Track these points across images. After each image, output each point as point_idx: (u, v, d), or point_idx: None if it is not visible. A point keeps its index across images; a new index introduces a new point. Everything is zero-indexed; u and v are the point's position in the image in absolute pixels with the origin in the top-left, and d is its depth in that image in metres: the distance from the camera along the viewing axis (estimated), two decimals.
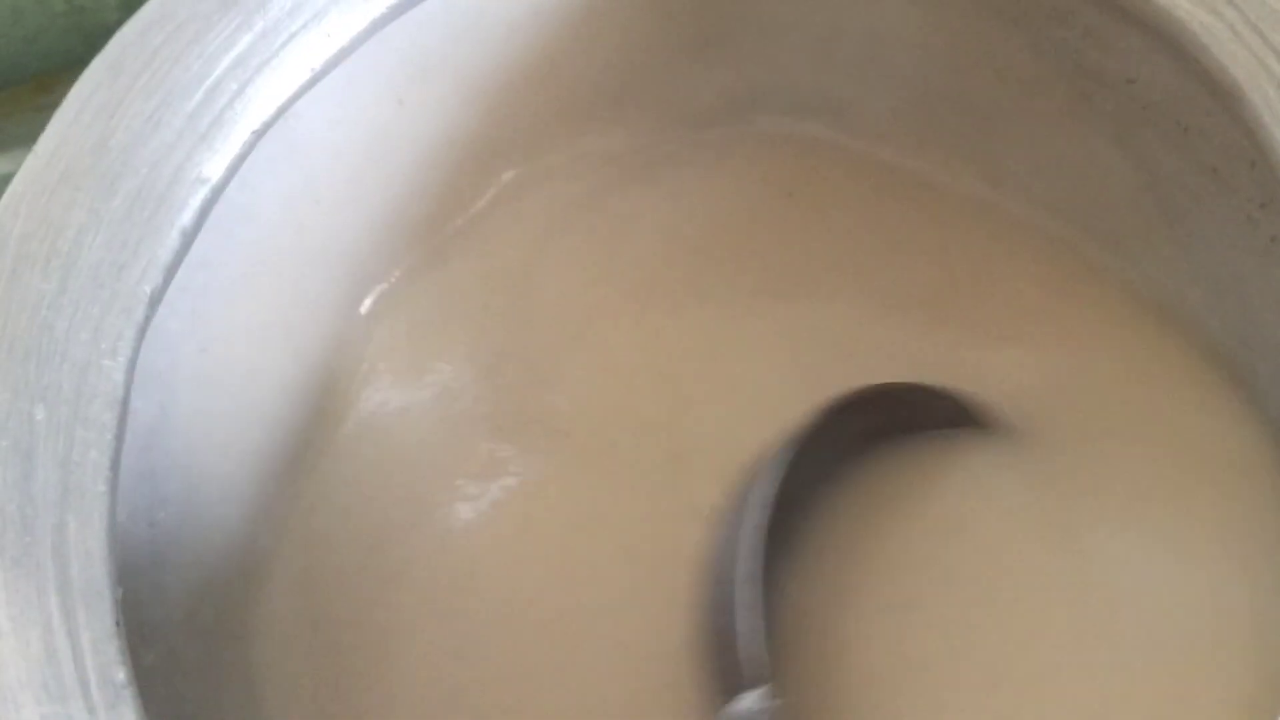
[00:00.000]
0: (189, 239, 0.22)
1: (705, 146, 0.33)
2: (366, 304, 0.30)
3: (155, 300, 0.22)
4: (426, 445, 0.29)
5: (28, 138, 0.33)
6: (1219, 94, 0.23)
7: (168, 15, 0.22)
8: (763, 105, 0.33)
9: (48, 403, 0.21)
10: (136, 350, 0.22)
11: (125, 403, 0.21)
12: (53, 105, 0.24)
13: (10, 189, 0.21)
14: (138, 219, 0.22)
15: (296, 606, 0.30)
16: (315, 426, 0.29)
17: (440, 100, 0.30)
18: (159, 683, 0.25)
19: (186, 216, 0.22)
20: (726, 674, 0.23)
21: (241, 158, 0.23)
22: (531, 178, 0.32)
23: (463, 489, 0.28)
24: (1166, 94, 0.26)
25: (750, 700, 0.21)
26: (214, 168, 0.23)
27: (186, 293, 0.27)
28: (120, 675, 0.20)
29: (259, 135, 0.23)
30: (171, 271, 0.22)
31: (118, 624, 0.20)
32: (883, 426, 0.27)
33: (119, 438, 0.21)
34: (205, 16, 0.23)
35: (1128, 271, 0.30)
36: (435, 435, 0.29)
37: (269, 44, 0.23)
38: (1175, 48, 0.24)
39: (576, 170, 0.32)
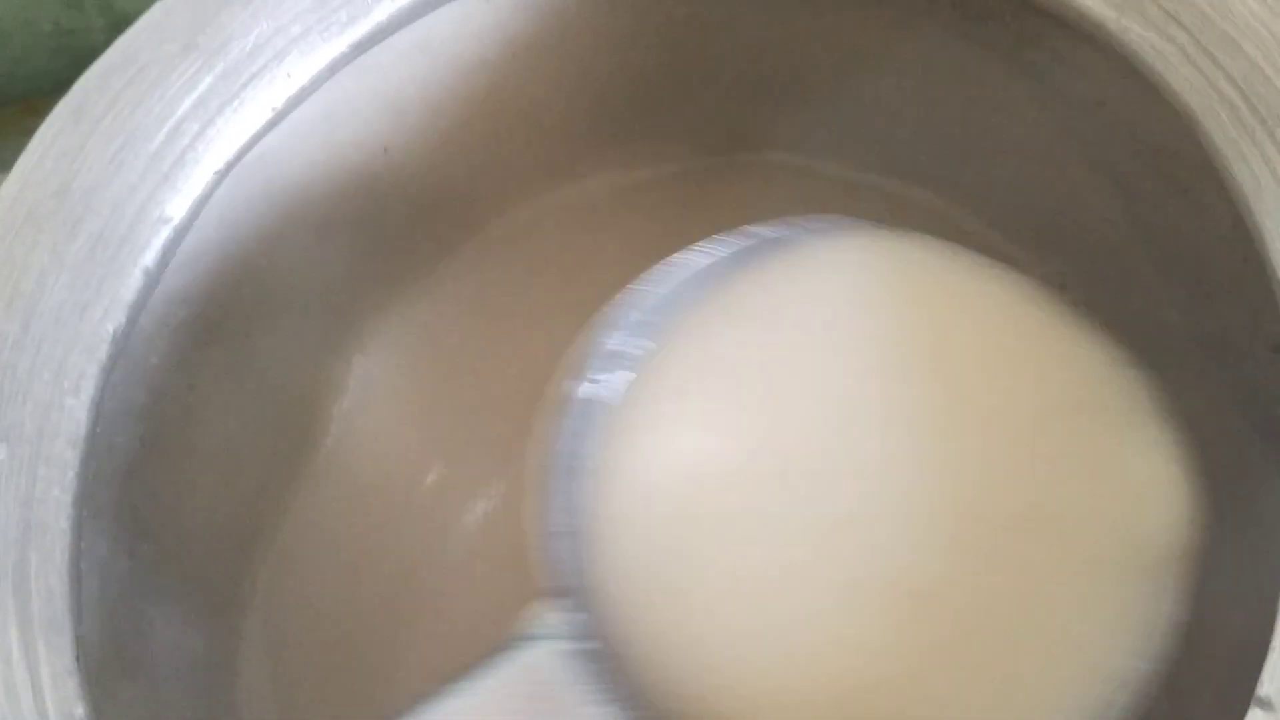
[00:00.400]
0: (153, 279, 0.23)
1: (689, 184, 0.34)
2: (344, 342, 0.31)
3: (119, 339, 0.22)
4: (398, 474, 0.29)
5: (12, 160, 0.34)
6: (1178, 115, 0.23)
7: (129, 59, 0.23)
8: (743, 142, 0.34)
9: (10, 441, 0.21)
10: (101, 389, 0.22)
11: (90, 440, 0.22)
12: (37, 128, 0.24)
13: None
14: (100, 259, 0.22)
15: (281, 637, 0.30)
16: (293, 460, 0.30)
17: (421, 141, 0.30)
18: (140, 717, 0.26)
19: (149, 256, 0.23)
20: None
21: (205, 198, 0.23)
22: (512, 223, 0.32)
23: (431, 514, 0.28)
24: (1136, 116, 0.26)
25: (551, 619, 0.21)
26: (177, 207, 0.23)
27: (166, 328, 0.27)
28: (79, 710, 0.20)
29: (222, 175, 0.23)
30: (136, 310, 0.23)
31: (77, 659, 0.21)
32: None
33: (82, 475, 0.22)
34: (166, 59, 0.23)
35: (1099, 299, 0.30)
36: (407, 464, 0.29)
37: (229, 85, 0.23)
38: (1135, 71, 0.24)
39: (556, 216, 0.32)
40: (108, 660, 0.24)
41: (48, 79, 0.43)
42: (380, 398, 0.31)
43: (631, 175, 0.33)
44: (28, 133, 0.38)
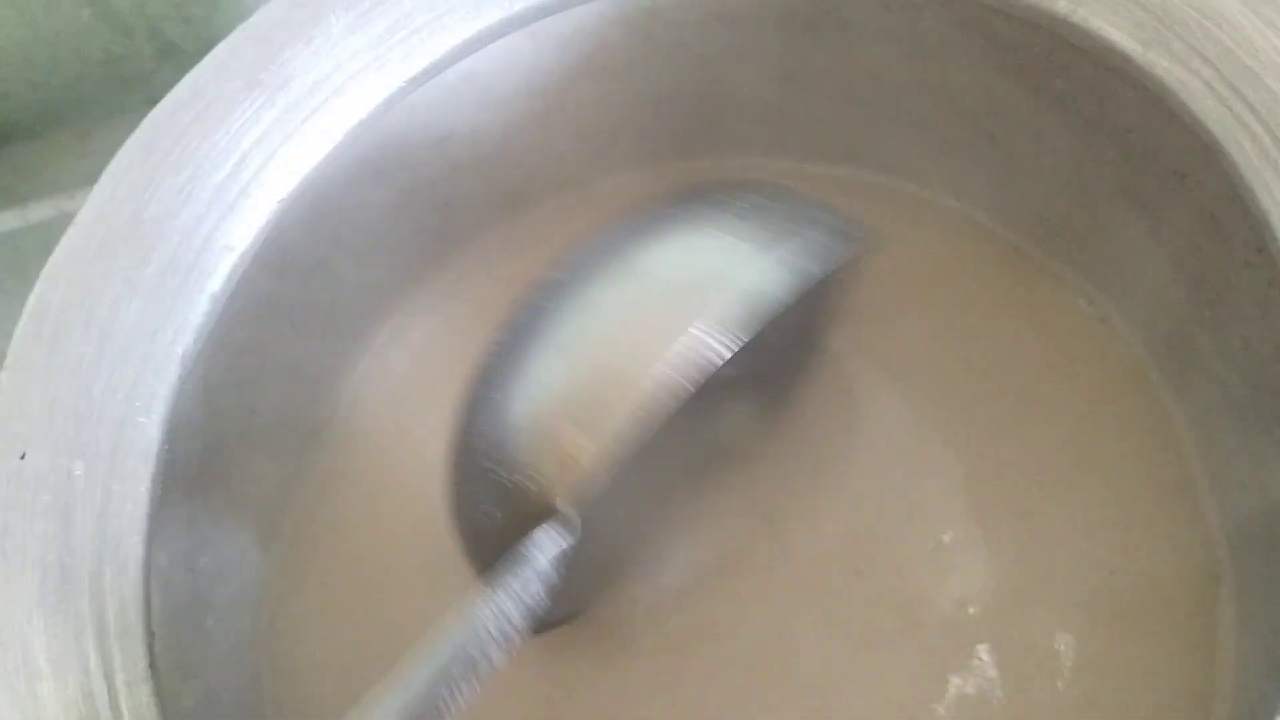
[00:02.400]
0: (218, 304, 0.24)
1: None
2: (371, 350, 0.32)
3: (187, 360, 0.23)
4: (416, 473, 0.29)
5: (67, 185, 0.35)
6: (1201, 145, 0.24)
7: (197, 95, 0.24)
8: (773, 151, 0.35)
9: (86, 459, 0.22)
10: (171, 407, 0.23)
11: (159, 456, 0.23)
12: (91, 153, 0.25)
13: (51, 260, 0.23)
14: (170, 286, 0.23)
15: (334, 644, 0.31)
16: (329, 466, 0.30)
17: (464, 166, 0.31)
18: None
19: (215, 282, 0.24)
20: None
21: (268, 226, 0.24)
22: (519, 237, 0.33)
23: None
24: (1162, 143, 0.27)
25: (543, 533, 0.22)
26: (241, 236, 0.24)
27: (225, 349, 0.28)
28: (154, 715, 0.21)
29: (285, 204, 0.24)
30: (202, 333, 0.24)
31: (151, 667, 0.21)
32: None
33: (153, 490, 0.23)
34: (231, 95, 0.24)
35: (1128, 318, 0.31)
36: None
37: (291, 119, 0.24)
38: (1160, 102, 0.25)
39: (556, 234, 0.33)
40: (169, 669, 0.25)
41: (98, 105, 0.44)
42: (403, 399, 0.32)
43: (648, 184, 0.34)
44: (79, 156, 0.39)
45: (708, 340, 0.21)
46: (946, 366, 0.31)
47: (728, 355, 0.21)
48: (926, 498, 0.30)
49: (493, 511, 0.24)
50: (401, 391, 0.31)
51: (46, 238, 0.39)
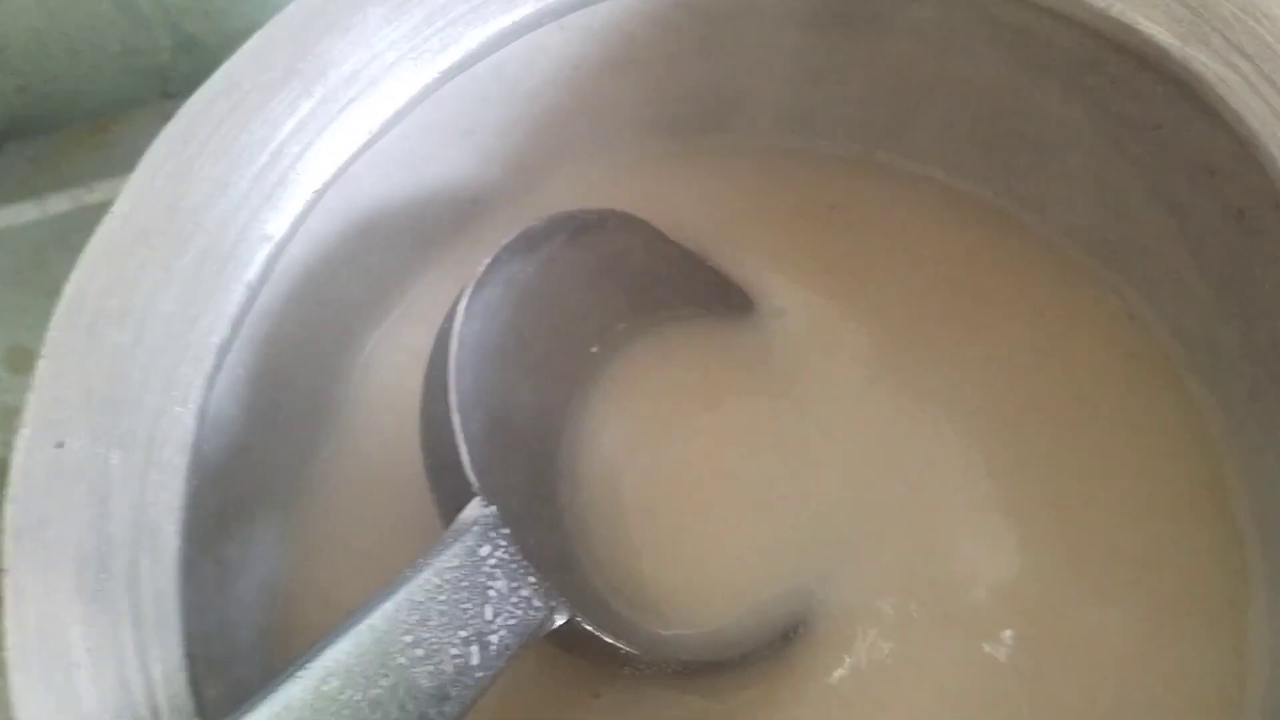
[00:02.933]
0: (255, 293, 0.24)
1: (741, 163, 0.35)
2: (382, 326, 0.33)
3: (223, 350, 0.23)
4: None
5: (85, 176, 0.35)
6: (1238, 141, 0.24)
7: (234, 85, 0.24)
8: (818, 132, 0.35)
9: (123, 448, 0.22)
10: (206, 397, 0.23)
11: (196, 447, 0.23)
12: (108, 145, 0.25)
13: (88, 249, 0.23)
14: (207, 275, 0.23)
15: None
16: (340, 457, 0.31)
17: (491, 157, 0.31)
18: (224, 714, 0.27)
19: (252, 272, 0.24)
20: (447, 484, 0.25)
21: (304, 216, 0.24)
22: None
23: None
24: (1192, 139, 0.27)
25: (472, 510, 0.24)
26: (278, 226, 0.24)
27: (252, 343, 0.28)
28: (190, 705, 0.21)
29: (320, 194, 0.24)
30: (239, 323, 0.23)
31: (188, 657, 0.21)
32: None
33: (190, 480, 0.22)
34: (268, 85, 0.24)
35: (1156, 313, 0.31)
36: None
37: (329, 110, 0.24)
38: (1195, 97, 0.25)
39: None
40: (196, 661, 0.25)
41: (115, 97, 0.44)
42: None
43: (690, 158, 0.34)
44: (97, 148, 0.39)
45: None
46: (975, 358, 0.32)
47: None
48: (957, 486, 0.30)
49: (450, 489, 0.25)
50: (411, 366, 0.31)
51: (64, 229, 0.39)
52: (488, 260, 0.27)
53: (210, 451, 0.27)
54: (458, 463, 0.25)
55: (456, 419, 0.25)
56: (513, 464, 0.29)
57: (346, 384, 0.32)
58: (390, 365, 0.33)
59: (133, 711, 0.21)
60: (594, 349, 0.31)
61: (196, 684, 0.21)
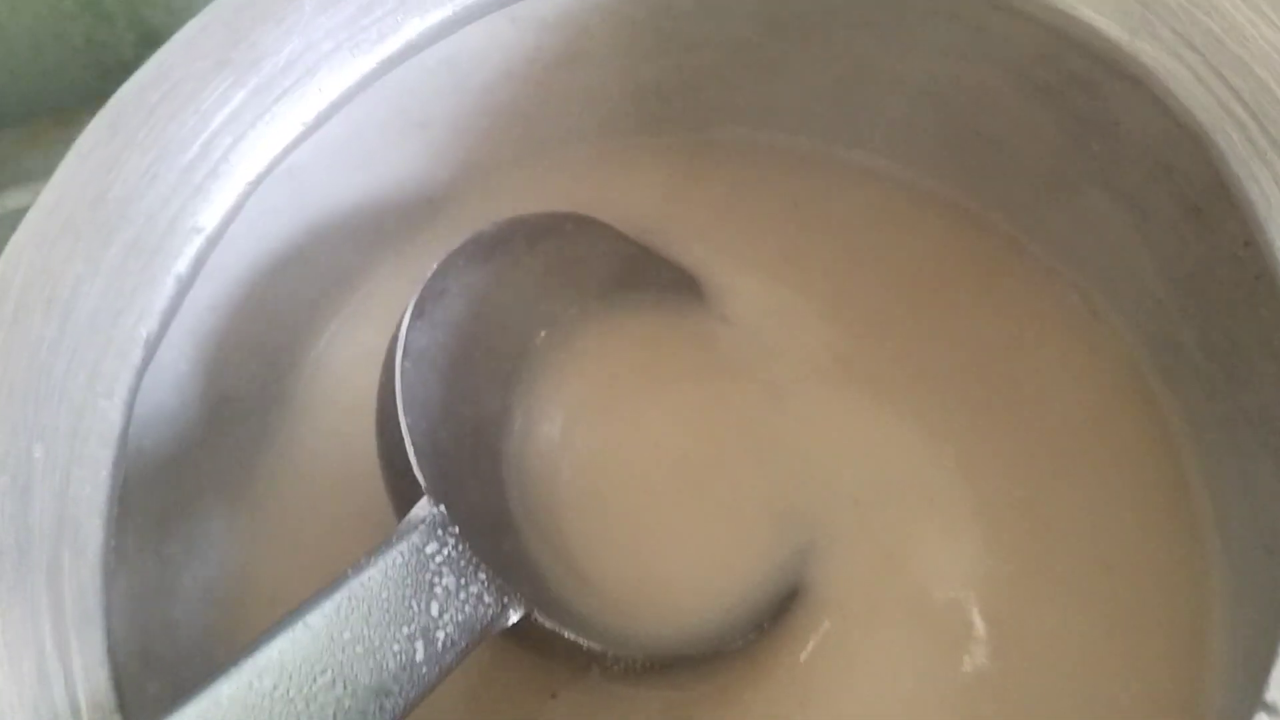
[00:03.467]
0: (185, 286, 0.23)
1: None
2: (337, 319, 0.32)
3: (152, 343, 0.23)
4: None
5: (46, 171, 0.34)
6: (1190, 135, 0.24)
7: (164, 75, 0.24)
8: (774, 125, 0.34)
9: (45, 441, 0.22)
10: (133, 391, 0.23)
11: (122, 441, 0.22)
12: (70, 140, 0.25)
13: (13, 240, 0.22)
14: (133, 268, 0.23)
15: None
16: (290, 453, 0.30)
17: (445, 152, 0.31)
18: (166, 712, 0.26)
19: (182, 264, 0.23)
20: (400, 486, 0.25)
21: (236, 208, 0.24)
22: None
23: None
24: (1149, 136, 0.27)
25: (420, 509, 0.24)
26: (209, 218, 0.24)
27: (195, 336, 0.28)
28: (111, 700, 0.21)
29: (254, 187, 0.24)
30: (168, 316, 0.23)
31: (109, 651, 0.21)
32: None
33: (115, 474, 0.22)
34: (200, 75, 0.24)
35: (1118, 311, 0.31)
36: None
37: (262, 100, 0.24)
38: (1149, 93, 0.25)
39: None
40: (133, 657, 0.25)
41: (79, 91, 0.44)
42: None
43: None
44: (60, 142, 0.39)
45: None
46: (937, 354, 0.31)
47: None
48: (921, 481, 0.30)
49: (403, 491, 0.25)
50: (364, 363, 0.31)
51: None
52: (435, 266, 0.27)
53: (151, 446, 0.27)
54: (407, 465, 0.25)
55: (404, 422, 0.26)
56: (463, 462, 0.29)
57: (297, 381, 0.32)
58: (342, 362, 0.32)
59: (50, 705, 0.20)
60: (541, 336, 0.31)
61: (119, 679, 0.21)
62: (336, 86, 0.25)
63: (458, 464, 0.29)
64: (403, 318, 0.27)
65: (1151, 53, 0.23)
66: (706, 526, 0.30)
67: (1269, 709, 0.19)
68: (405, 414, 0.26)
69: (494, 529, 0.29)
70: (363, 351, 0.32)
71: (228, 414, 0.30)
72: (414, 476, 0.25)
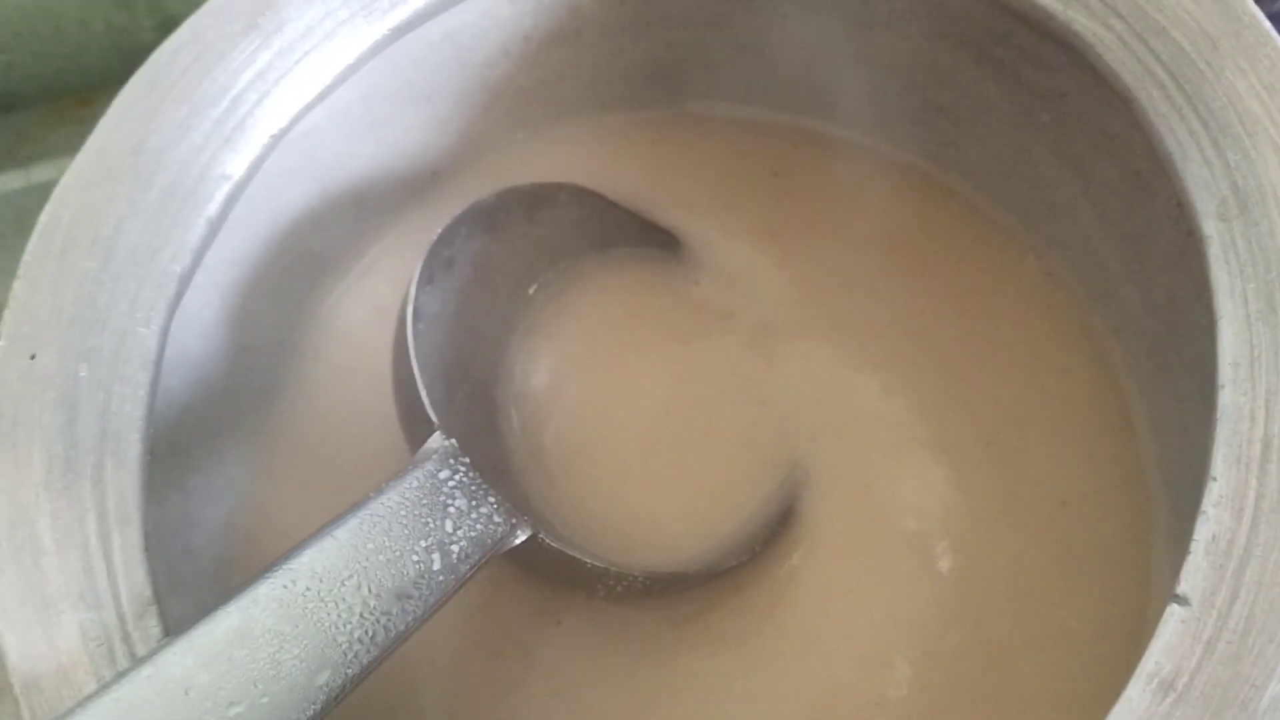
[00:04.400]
0: (215, 227, 0.26)
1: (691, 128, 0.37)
2: (349, 276, 0.35)
3: (184, 279, 0.25)
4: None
5: (69, 148, 0.37)
6: (1119, 98, 0.26)
7: (198, 37, 0.26)
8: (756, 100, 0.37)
9: (90, 362, 0.24)
10: (169, 320, 0.25)
11: (158, 364, 0.25)
12: (92, 118, 0.27)
13: (61, 182, 0.25)
14: (170, 209, 0.25)
15: None
16: (303, 400, 0.33)
17: (446, 121, 0.33)
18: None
19: (212, 208, 0.26)
20: (416, 429, 0.27)
21: (261, 159, 0.26)
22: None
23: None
24: (1092, 106, 0.29)
25: (433, 442, 0.26)
26: (236, 166, 0.26)
27: (219, 287, 0.30)
28: (148, 592, 0.23)
29: (277, 139, 0.26)
30: (199, 255, 0.26)
31: (146, 550, 0.23)
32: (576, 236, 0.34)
33: (151, 394, 0.24)
34: (230, 38, 0.26)
35: (1070, 272, 0.33)
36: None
37: (285, 61, 0.26)
38: (1088, 64, 0.27)
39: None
40: (162, 582, 0.27)
41: (99, 74, 0.46)
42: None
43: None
44: (80, 121, 0.41)
45: None
46: (906, 310, 0.34)
47: None
48: (892, 424, 0.32)
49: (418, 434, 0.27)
50: (372, 319, 0.33)
51: (48, 196, 0.41)
52: (438, 233, 0.30)
53: (176, 387, 0.29)
54: (421, 408, 0.27)
55: (417, 370, 0.28)
56: (467, 413, 0.31)
57: (311, 332, 0.34)
58: (352, 317, 0.35)
59: (95, 594, 0.22)
60: (532, 290, 0.33)
61: (155, 573, 0.23)
62: (352, 51, 0.27)
63: (463, 414, 0.31)
64: (411, 282, 0.29)
65: (1082, 21, 0.26)
66: (694, 465, 0.32)
67: (1179, 599, 0.21)
68: (419, 368, 0.28)
69: (494, 476, 0.31)
70: (371, 308, 0.35)
71: (247, 361, 0.32)
72: (428, 417, 0.27)
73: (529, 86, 0.35)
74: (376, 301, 0.34)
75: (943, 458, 0.32)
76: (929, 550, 0.31)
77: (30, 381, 0.23)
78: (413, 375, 0.28)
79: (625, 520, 0.32)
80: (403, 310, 0.29)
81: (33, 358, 0.24)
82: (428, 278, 0.30)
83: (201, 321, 0.30)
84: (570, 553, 0.28)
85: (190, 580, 0.29)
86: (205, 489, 0.31)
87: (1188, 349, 0.30)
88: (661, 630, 0.30)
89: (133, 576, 0.23)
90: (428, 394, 0.28)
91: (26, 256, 0.24)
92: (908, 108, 0.35)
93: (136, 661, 0.21)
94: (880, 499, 0.31)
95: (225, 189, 0.26)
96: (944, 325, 0.33)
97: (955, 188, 0.35)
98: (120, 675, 0.21)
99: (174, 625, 0.25)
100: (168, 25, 0.45)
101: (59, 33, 0.44)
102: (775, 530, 0.31)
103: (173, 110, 0.26)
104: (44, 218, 0.24)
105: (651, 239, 0.34)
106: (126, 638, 0.22)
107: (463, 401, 0.31)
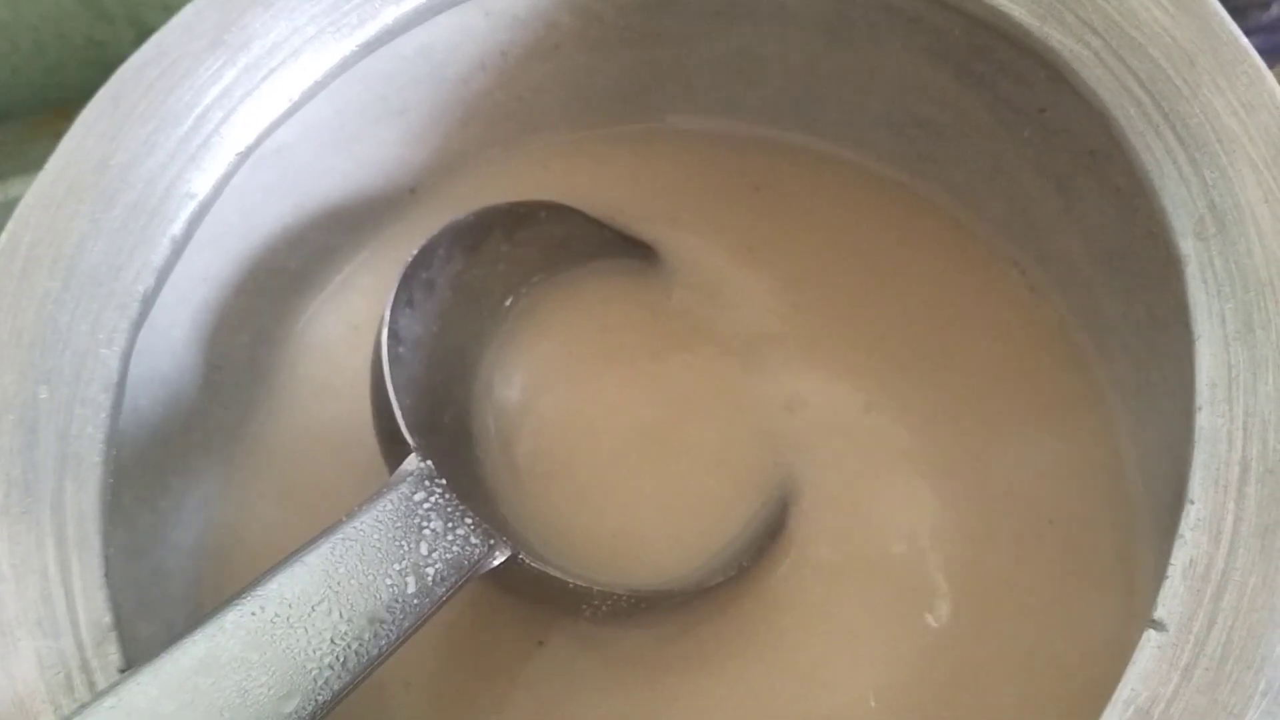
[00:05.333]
0: (179, 246, 0.25)
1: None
2: (324, 292, 0.35)
3: (148, 299, 0.25)
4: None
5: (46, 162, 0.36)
6: (1096, 114, 0.26)
7: (163, 53, 0.26)
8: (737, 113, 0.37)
9: (50, 384, 0.24)
10: (131, 341, 0.25)
11: (121, 385, 0.24)
12: None
13: (23, 202, 0.24)
14: (133, 228, 0.25)
15: None
16: (278, 420, 0.32)
17: (421, 139, 0.33)
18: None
19: (177, 227, 0.25)
20: (393, 450, 0.27)
21: (227, 177, 0.26)
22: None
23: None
24: (1073, 122, 0.29)
25: (408, 464, 0.26)
26: (202, 184, 0.26)
27: (189, 305, 0.30)
28: (107, 619, 0.23)
29: (243, 157, 0.26)
30: (164, 274, 0.25)
31: (106, 576, 0.23)
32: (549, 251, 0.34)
33: (113, 417, 0.24)
34: (195, 54, 0.26)
35: (1053, 287, 0.33)
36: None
37: (251, 78, 0.26)
38: (1066, 80, 0.27)
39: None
40: (126, 602, 0.27)
41: (78, 87, 0.45)
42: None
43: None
44: (59, 135, 0.41)
45: None
46: (889, 324, 0.33)
47: None
48: (877, 441, 0.32)
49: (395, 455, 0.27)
50: (347, 336, 0.33)
51: None
52: (415, 254, 0.29)
53: (146, 406, 0.29)
54: (398, 430, 0.27)
55: (393, 393, 0.28)
56: (443, 433, 0.31)
57: (285, 350, 0.34)
58: (328, 334, 0.34)
59: (53, 621, 0.22)
60: (507, 303, 0.33)
61: (115, 600, 0.23)
62: (320, 67, 0.27)
63: (447, 436, 0.31)
64: (386, 305, 0.29)
65: (1059, 37, 0.25)
66: (677, 481, 0.32)
67: (1156, 625, 0.21)
68: (395, 391, 0.28)
69: (474, 496, 0.31)
70: (347, 324, 0.34)
71: (219, 381, 0.32)
72: (404, 439, 0.27)
73: (506, 102, 0.34)
74: (353, 318, 0.34)
75: (930, 473, 0.31)
76: (916, 570, 0.30)
77: None
78: (388, 399, 0.27)
79: (608, 538, 0.31)
80: (379, 332, 0.28)
81: None
82: (406, 299, 0.29)
83: (171, 340, 0.30)
84: (552, 573, 0.27)
85: (160, 601, 0.29)
86: (176, 509, 0.30)
87: (1169, 367, 0.29)
88: (645, 649, 0.30)
89: (92, 602, 0.23)
90: (404, 417, 0.27)
91: None
92: (889, 122, 0.34)
93: (99, 693, 0.21)
94: (866, 516, 0.31)
95: (190, 207, 0.25)
96: (927, 340, 0.33)
97: (937, 202, 0.35)
98: (83, 706, 0.20)
99: (142, 646, 0.25)
100: (147, 39, 0.45)
101: (38, 46, 0.44)
102: (762, 547, 0.30)
103: (137, 127, 0.25)
104: (4, 237, 0.24)
105: (630, 252, 0.34)
106: (85, 666, 0.22)
107: (446, 423, 0.31)
